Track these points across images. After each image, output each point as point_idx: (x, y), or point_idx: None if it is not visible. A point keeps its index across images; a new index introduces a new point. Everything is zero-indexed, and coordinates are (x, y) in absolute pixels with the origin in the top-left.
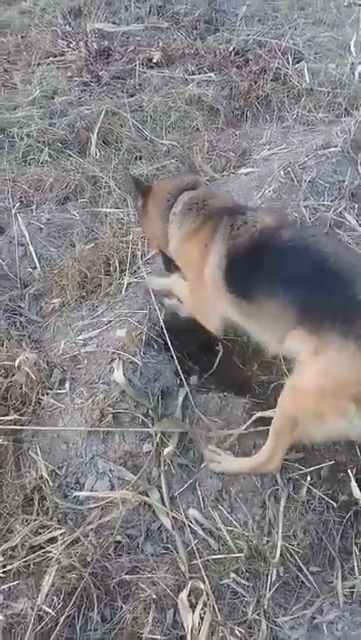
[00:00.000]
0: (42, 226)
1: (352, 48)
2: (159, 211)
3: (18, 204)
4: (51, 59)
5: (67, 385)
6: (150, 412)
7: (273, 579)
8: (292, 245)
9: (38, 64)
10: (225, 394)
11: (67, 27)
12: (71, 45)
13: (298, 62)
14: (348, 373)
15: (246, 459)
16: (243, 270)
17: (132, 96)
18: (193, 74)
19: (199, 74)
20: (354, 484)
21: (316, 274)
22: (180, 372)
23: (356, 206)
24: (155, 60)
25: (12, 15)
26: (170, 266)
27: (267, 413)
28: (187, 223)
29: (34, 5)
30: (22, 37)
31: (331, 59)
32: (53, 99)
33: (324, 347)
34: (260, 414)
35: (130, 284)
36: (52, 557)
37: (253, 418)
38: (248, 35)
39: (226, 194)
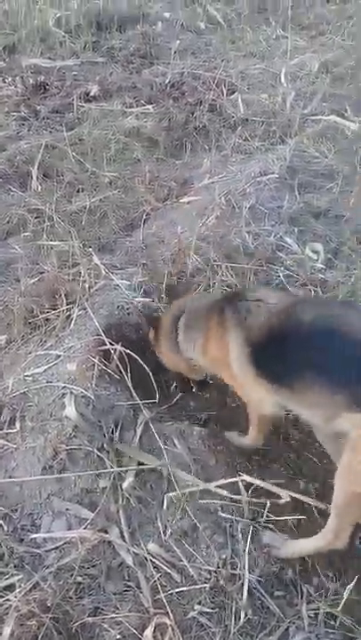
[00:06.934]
0: None
1: (282, 79)
2: (170, 345)
3: None
4: None
5: (17, 424)
6: (105, 445)
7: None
8: (318, 326)
9: None
10: (183, 423)
11: (1, 62)
12: (7, 81)
13: (232, 93)
14: None
15: (310, 540)
16: (270, 357)
17: (71, 129)
18: (131, 106)
19: (137, 106)
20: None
21: (357, 352)
22: (138, 400)
23: (296, 230)
24: (92, 94)
25: None
26: (186, 386)
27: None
28: (198, 336)
29: None
30: None
31: (263, 89)
32: None
33: None
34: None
35: (78, 316)
36: (11, 605)
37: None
38: (183, 68)
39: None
